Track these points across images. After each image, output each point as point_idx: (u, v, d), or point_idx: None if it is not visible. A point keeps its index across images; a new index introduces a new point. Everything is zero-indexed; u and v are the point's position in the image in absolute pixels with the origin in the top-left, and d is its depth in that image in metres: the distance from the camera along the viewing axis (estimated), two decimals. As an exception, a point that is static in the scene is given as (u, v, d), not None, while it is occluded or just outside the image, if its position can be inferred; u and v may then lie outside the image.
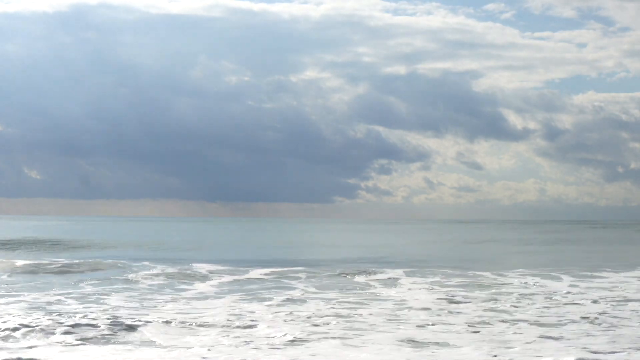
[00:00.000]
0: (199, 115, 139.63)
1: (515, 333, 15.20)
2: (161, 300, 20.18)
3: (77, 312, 17.16)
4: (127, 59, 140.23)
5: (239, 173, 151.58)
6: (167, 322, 16.04)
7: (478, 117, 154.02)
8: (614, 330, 15.51)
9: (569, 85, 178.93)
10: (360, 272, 29.79)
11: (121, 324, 15.41)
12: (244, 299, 20.61)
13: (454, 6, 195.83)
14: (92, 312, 17.26)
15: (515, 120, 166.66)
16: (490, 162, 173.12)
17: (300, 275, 28.57)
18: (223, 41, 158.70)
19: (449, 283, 25.96)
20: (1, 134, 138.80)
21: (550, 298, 21.44)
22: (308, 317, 16.92)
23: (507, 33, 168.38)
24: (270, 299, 20.61)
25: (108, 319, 16.09)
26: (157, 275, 27.92)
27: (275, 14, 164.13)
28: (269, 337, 14.38)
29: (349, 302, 19.95)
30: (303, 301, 20.34)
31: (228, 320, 16.43)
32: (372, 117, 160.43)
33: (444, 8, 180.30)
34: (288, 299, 20.75)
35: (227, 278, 27.39)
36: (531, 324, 16.32)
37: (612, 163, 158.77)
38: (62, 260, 35.36)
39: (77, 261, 34.56)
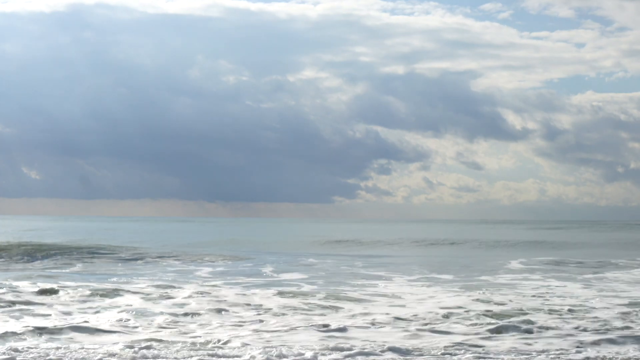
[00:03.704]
0: (197, 115, 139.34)
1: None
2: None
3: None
4: (124, 59, 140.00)
5: (237, 173, 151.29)
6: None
7: (477, 117, 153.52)
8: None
9: (567, 85, 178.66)
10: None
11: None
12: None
13: (452, 5, 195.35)
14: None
15: (514, 120, 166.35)
16: (489, 162, 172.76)
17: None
18: (221, 41, 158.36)
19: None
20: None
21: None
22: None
23: (504, 33, 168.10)
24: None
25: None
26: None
27: (272, 14, 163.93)
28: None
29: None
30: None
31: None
32: (371, 117, 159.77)
33: (442, 7, 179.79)
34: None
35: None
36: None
37: (611, 163, 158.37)
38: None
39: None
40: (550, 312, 17.72)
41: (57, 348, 13.14)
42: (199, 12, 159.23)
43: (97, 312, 17.46)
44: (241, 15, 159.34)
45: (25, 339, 13.98)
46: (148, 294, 20.74)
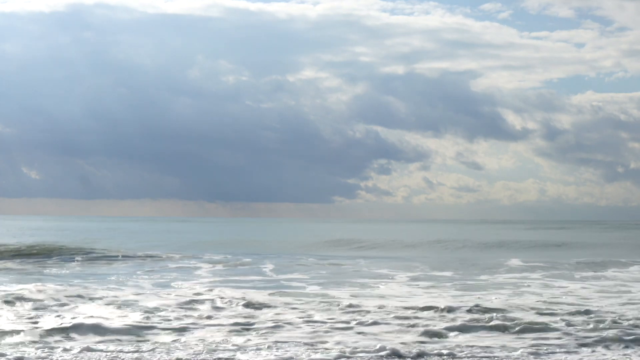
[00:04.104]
0: (197, 115, 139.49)
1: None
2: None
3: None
4: (124, 59, 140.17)
5: (237, 173, 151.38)
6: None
7: (477, 117, 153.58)
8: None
9: (567, 85, 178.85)
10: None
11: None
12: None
13: (452, 5, 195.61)
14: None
15: (514, 120, 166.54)
16: (489, 162, 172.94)
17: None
18: (220, 41, 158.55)
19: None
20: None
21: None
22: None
23: (504, 33, 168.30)
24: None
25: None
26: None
27: (272, 14, 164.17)
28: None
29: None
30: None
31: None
32: (371, 117, 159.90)
33: (441, 7, 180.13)
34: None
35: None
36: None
37: (611, 163, 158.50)
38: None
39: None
40: (547, 310, 17.78)
41: (65, 350, 13.21)
42: (198, 12, 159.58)
43: (98, 310, 17.50)
44: (241, 15, 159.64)
45: (26, 339, 14.05)
46: (146, 293, 20.81)
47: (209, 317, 16.65)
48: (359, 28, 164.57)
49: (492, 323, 15.80)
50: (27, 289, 20.63)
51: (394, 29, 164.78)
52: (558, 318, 16.58)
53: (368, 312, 17.45)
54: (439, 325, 15.57)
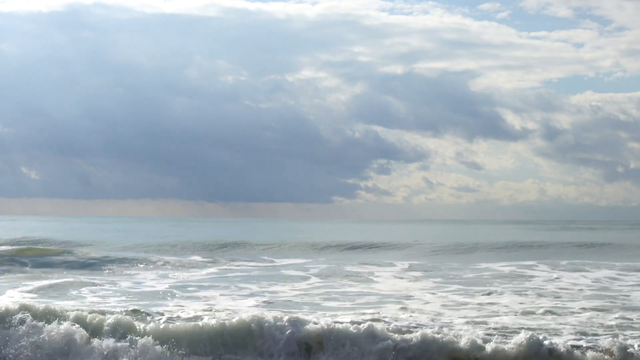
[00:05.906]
0: (196, 115, 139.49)
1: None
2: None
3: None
4: (122, 59, 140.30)
5: (237, 173, 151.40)
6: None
7: (476, 117, 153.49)
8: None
9: (566, 85, 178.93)
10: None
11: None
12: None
13: (450, 5, 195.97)
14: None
15: (513, 120, 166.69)
16: (489, 162, 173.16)
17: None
18: (219, 40, 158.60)
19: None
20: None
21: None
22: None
23: (503, 32, 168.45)
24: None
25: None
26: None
27: (270, 14, 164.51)
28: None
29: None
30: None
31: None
32: (370, 117, 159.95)
33: (440, 7, 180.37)
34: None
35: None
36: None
37: (611, 163, 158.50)
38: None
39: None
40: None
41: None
42: (196, 12, 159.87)
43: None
44: (239, 14, 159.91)
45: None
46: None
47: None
48: (358, 28, 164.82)
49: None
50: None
51: (393, 28, 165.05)
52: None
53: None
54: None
